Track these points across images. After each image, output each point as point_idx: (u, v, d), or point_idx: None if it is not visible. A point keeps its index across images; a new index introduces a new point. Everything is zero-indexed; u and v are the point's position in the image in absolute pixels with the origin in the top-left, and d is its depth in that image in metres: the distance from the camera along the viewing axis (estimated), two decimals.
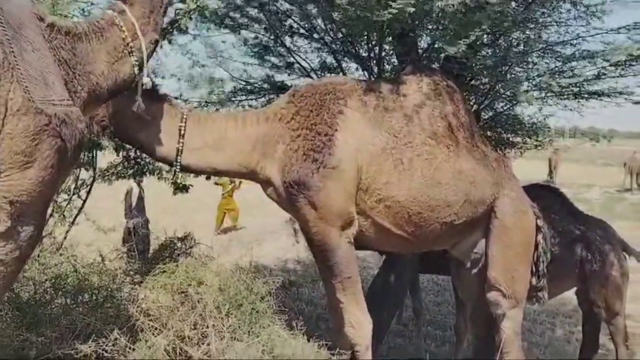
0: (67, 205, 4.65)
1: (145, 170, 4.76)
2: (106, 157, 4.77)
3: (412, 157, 3.59)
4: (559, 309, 8.01)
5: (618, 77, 4.65)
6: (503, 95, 4.85)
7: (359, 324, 3.59)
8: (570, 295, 5.59)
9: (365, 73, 5.03)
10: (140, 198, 8.36)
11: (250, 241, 12.29)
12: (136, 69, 2.86)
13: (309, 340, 3.24)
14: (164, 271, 3.20)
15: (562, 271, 4.81)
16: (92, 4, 4.16)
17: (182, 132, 3.37)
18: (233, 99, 5.20)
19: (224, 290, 3.13)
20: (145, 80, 3.01)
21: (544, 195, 4.99)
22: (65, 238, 4.42)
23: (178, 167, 3.43)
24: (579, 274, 4.97)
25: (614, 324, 4.92)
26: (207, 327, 2.88)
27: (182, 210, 14.43)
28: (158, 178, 4.81)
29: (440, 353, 6.48)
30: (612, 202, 19.58)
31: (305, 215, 3.51)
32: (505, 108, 5.33)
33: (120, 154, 4.61)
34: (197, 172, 3.88)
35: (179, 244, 4.29)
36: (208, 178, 5.13)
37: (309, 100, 3.59)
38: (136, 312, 2.93)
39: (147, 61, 2.95)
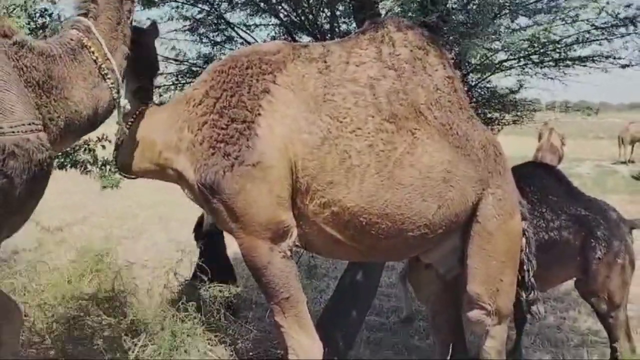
0: None
1: (66, 162, 3.95)
2: None
3: (363, 148, 2.80)
4: (550, 292, 7.58)
5: (604, 40, 4.16)
6: (475, 65, 4.34)
7: (304, 350, 2.91)
8: None
9: None
10: None
11: None
12: (114, 93, 2.57)
13: None
14: None
15: (562, 260, 4.31)
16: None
17: (129, 125, 2.99)
18: (176, 82, 4.60)
19: None
20: (124, 102, 2.69)
21: (540, 175, 4.50)
22: None
23: (113, 160, 3.18)
24: (581, 263, 4.42)
25: (614, 316, 4.40)
26: None
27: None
28: (80, 172, 4.03)
29: (425, 347, 6.03)
30: (604, 176, 19.33)
31: (227, 224, 2.86)
32: (478, 80, 4.81)
33: None
34: (126, 171, 3.35)
35: None
36: None
37: (223, 77, 2.87)
38: None
39: (123, 80, 2.66)
